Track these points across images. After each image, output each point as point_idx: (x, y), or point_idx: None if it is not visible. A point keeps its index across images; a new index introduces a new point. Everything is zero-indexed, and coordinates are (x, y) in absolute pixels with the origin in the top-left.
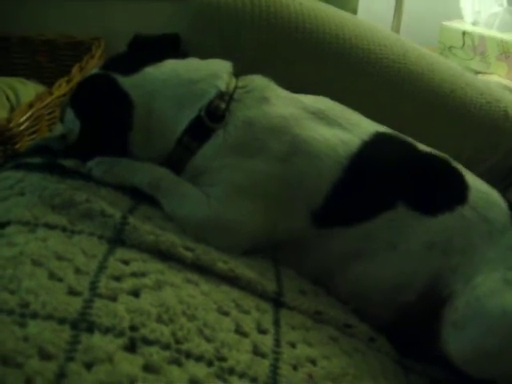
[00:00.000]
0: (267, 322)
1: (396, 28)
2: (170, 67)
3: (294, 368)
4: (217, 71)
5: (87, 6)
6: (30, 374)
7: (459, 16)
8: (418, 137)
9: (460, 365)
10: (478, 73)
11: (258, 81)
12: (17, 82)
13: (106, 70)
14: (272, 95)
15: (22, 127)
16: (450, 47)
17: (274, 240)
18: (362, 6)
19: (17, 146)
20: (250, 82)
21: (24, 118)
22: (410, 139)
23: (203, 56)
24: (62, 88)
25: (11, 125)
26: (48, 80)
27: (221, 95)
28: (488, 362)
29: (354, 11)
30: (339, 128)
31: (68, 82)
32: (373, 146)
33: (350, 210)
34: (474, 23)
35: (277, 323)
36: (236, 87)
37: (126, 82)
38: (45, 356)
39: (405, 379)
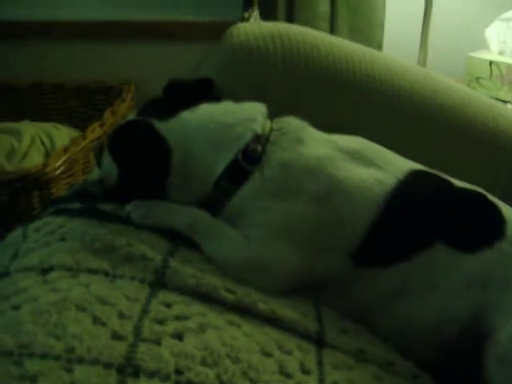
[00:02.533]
0: (310, 362)
1: (422, 61)
2: (206, 111)
3: None
4: (252, 114)
5: (116, 51)
6: None
7: (485, 46)
8: (451, 171)
9: None
10: (506, 102)
11: (292, 122)
12: (51, 127)
13: (143, 115)
14: (307, 137)
15: (58, 171)
16: (478, 78)
17: (312, 280)
18: (386, 40)
19: (53, 191)
20: (284, 124)
21: (59, 162)
22: (445, 175)
23: (236, 99)
24: (96, 132)
25: (47, 169)
26: (80, 124)
27: (257, 138)
28: None
29: (380, 46)
30: (374, 168)
31: (101, 125)
32: (408, 185)
33: (388, 249)
34: (501, 53)
35: (320, 363)
36: (271, 129)
37: (162, 127)
38: None
39: None
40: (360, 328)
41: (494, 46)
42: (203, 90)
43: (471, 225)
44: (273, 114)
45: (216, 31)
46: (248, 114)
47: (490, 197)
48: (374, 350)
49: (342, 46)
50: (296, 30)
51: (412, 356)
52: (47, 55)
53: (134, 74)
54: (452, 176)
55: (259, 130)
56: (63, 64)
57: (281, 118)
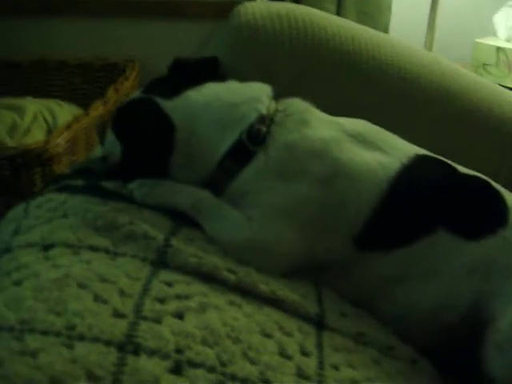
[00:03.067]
0: (310, 344)
1: (429, 46)
2: (211, 91)
3: None
4: (257, 95)
5: (121, 28)
6: None
7: (492, 33)
8: (455, 157)
9: None
10: None
11: (297, 104)
12: (53, 104)
13: (148, 93)
14: (312, 118)
15: (60, 149)
16: (484, 64)
17: (314, 262)
18: (394, 23)
19: (54, 168)
20: (289, 105)
21: (62, 139)
22: (449, 161)
23: (241, 78)
24: (99, 109)
25: (49, 146)
26: (83, 102)
27: (262, 118)
28: None
29: (386, 29)
30: (379, 151)
31: (104, 103)
32: (412, 169)
33: (390, 234)
34: (508, 39)
35: (319, 345)
36: (276, 110)
37: (167, 105)
38: (92, 378)
39: None
40: (360, 311)
41: (502, 33)
42: (209, 69)
43: (474, 211)
44: (278, 95)
45: (223, 10)
46: (253, 95)
47: (494, 184)
48: (374, 333)
49: (348, 27)
50: (303, 11)
51: (411, 341)
52: (51, 32)
53: (139, 51)
54: (456, 162)
55: (264, 111)
56: (67, 41)
57: (286, 99)
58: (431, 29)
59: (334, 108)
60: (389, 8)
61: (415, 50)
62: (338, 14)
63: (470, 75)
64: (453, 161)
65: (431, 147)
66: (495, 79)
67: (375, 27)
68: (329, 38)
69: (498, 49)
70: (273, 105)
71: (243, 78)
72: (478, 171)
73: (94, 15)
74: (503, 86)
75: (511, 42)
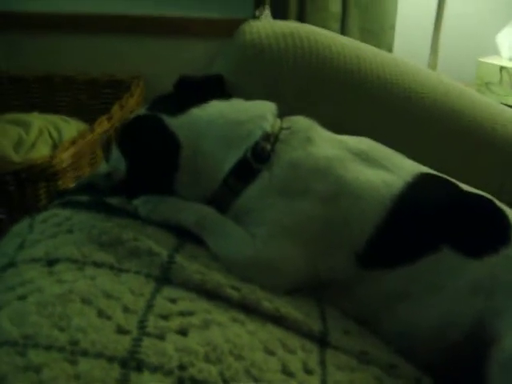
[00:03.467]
0: (313, 362)
1: (432, 65)
2: (216, 108)
3: None
4: (262, 112)
5: (127, 44)
6: None
7: (495, 52)
8: (459, 175)
9: None
10: None
11: (301, 122)
12: (59, 120)
13: (153, 110)
14: (316, 136)
15: (65, 164)
16: (488, 83)
17: (317, 280)
18: (397, 43)
19: (59, 183)
20: (294, 123)
21: (67, 154)
22: (452, 180)
23: (246, 97)
24: (103, 125)
25: (54, 161)
26: (88, 117)
27: (266, 136)
28: None
29: (390, 48)
30: (382, 169)
31: (109, 119)
32: (416, 188)
33: (394, 252)
34: (511, 59)
35: (322, 363)
36: (281, 128)
37: (172, 122)
38: None
39: None
40: (363, 330)
41: (505, 52)
42: (214, 87)
43: (478, 229)
44: (283, 113)
45: (228, 28)
46: (258, 112)
47: (497, 202)
48: (377, 352)
49: (353, 46)
50: (308, 30)
51: (414, 359)
52: (58, 47)
53: (145, 68)
54: (459, 180)
55: (269, 129)
56: (73, 57)
57: (290, 117)
58: (435, 48)
59: (338, 126)
60: (392, 27)
61: (419, 70)
62: (342, 32)
63: (473, 94)
64: (456, 179)
65: (435, 165)
66: (498, 98)
67: (379, 46)
68: (333, 56)
69: (502, 68)
70: (277, 123)
71: (248, 96)
72: (481, 189)
73: (99, 32)
74: (506, 105)
75: None
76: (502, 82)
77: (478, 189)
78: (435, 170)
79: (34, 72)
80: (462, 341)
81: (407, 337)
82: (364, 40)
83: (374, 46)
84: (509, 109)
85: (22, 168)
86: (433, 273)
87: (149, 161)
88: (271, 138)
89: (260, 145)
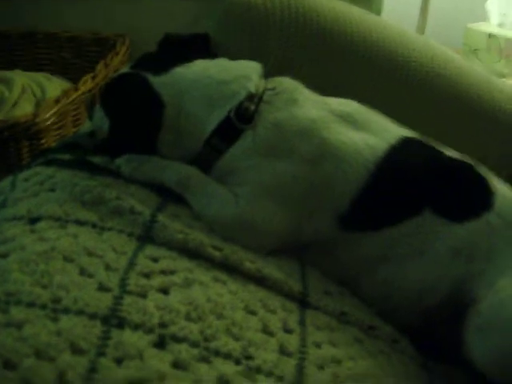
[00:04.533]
0: (293, 321)
1: (421, 29)
2: (201, 67)
3: (320, 368)
4: (247, 73)
5: (113, 2)
6: (62, 367)
7: (485, 18)
8: (443, 141)
9: (483, 369)
10: (503, 76)
11: (286, 83)
12: (42, 78)
13: (137, 69)
14: (300, 97)
15: (48, 122)
16: (475, 50)
17: (300, 241)
18: (387, 7)
19: (42, 141)
20: (278, 84)
21: (50, 113)
22: (436, 144)
23: (232, 56)
24: (88, 84)
25: (37, 120)
26: (72, 76)
27: (250, 97)
28: (510, 366)
29: (379, 12)
30: (366, 132)
31: (93, 78)
32: (399, 151)
33: (376, 215)
34: (500, 25)
35: (302, 323)
36: (265, 89)
37: (156, 81)
38: (76, 351)
39: (428, 381)
40: (344, 290)
41: (494, 19)
42: (199, 46)
43: (460, 194)
44: (268, 74)
45: None
46: (243, 72)
47: (480, 168)
48: (357, 313)
49: (340, 9)
50: None
51: (393, 320)
52: (42, 3)
53: (130, 26)
54: (443, 145)
55: (253, 89)
56: (57, 13)
57: (275, 78)
58: (424, 13)
59: (323, 88)
60: None
61: (406, 33)
62: None
63: (460, 60)
64: (440, 144)
65: (419, 130)
66: (486, 65)
67: (368, 9)
68: (320, 18)
69: (490, 35)
70: (262, 83)
71: (234, 55)
72: (467, 155)
73: None
74: (494, 72)
75: (503, 28)
76: (490, 50)
77: (475, 160)
78: (419, 134)
79: (16, 28)
80: (440, 303)
81: (386, 299)
82: (353, 2)
83: (364, 8)
84: (496, 78)
85: (4, 126)
86: (414, 236)
87: (132, 120)
88: (255, 98)
89: (244, 105)
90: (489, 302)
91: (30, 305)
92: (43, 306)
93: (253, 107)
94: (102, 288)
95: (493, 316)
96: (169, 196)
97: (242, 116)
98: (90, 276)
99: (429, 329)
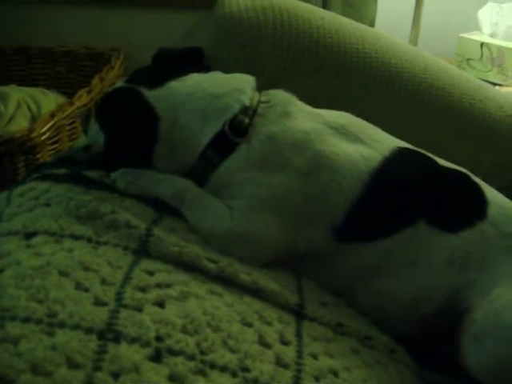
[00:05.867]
0: (290, 333)
1: (414, 40)
2: (195, 81)
3: (316, 379)
4: (241, 86)
5: (107, 17)
6: (59, 382)
7: (477, 28)
8: (436, 150)
9: (479, 377)
10: (496, 85)
11: (280, 95)
12: (38, 93)
13: (131, 83)
14: (294, 110)
15: (44, 137)
16: (468, 59)
17: (295, 253)
18: (379, 18)
19: (38, 156)
20: (272, 97)
21: (46, 128)
22: (430, 155)
23: (225, 69)
24: (83, 98)
25: (33, 135)
26: (68, 90)
27: (245, 110)
28: (507, 374)
29: (372, 23)
30: (360, 143)
31: (88, 92)
32: (394, 162)
33: (371, 226)
34: (492, 35)
35: (299, 335)
36: (259, 102)
37: (151, 95)
38: (73, 365)
39: None
40: (339, 302)
41: (486, 28)
42: (193, 60)
43: (454, 204)
44: (262, 87)
45: (209, 1)
46: (237, 86)
47: (474, 177)
48: (353, 323)
49: (333, 20)
50: (287, 3)
51: (389, 330)
52: (36, 18)
53: (125, 41)
54: (436, 155)
55: (247, 102)
56: (52, 28)
57: (269, 91)
58: (416, 23)
59: (316, 100)
60: (375, 2)
61: (399, 44)
62: (324, 6)
63: (453, 70)
64: (433, 154)
65: (413, 140)
66: (478, 74)
67: (361, 21)
68: (312, 30)
69: (482, 44)
70: (256, 96)
71: (227, 69)
72: (459, 164)
73: (79, 3)
74: (486, 81)
75: (495, 37)
76: (483, 58)
77: (468, 169)
78: (413, 144)
79: (11, 43)
80: (436, 313)
81: (382, 309)
82: (346, 14)
83: (356, 20)
84: (487, 84)
85: (0, 141)
86: (408, 247)
87: (127, 134)
88: (249, 111)
89: (238, 118)
90: (484, 311)
91: (26, 320)
92: (39, 321)
93: (247, 120)
94: (98, 302)
95: (488, 325)
96: (164, 209)
97: (237, 129)
98: (86, 290)
99: (424, 338)
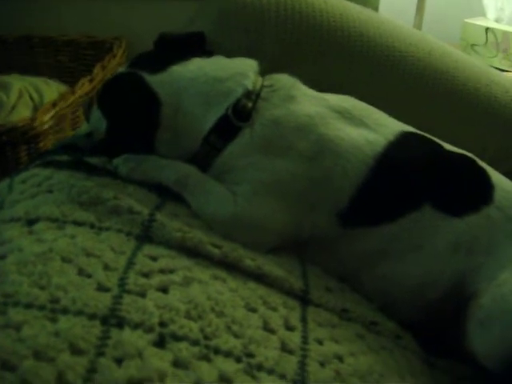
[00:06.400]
0: (294, 318)
1: (418, 25)
2: (197, 66)
3: (322, 365)
4: (243, 70)
5: (109, 5)
6: (62, 368)
7: (482, 13)
8: (441, 135)
9: (485, 362)
10: (500, 70)
11: (283, 79)
12: (40, 82)
13: (133, 68)
14: (298, 94)
15: (46, 126)
16: (473, 44)
17: (300, 238)
18: (383, 3)
19: (40, 145)
20: (276, 81)
21: (48, 117)
22: (435, 139)
23: (228, 54)
24: (85, 87)
25: (35, 124)
26: (70, 79)
27: (248, 94)
28: None
29: (376, 8)
30: (365, 127)
31: (90, 81)
32: (398, 146)
33: (376, 210)
34: (497, 20)
35: (304, 320)
36: (262, 86)
37: (153, 80)
38: (76, 351)
39: (430, 376)
40: (345, 287)
41: (491, 13)
42: (195, 44)
43: (460, 188)
44: (265, 71)
45: None
46: (239, 70)
47: (480, 162)
48: (358, 309)
49: (336, 4)
50: None
51: (395, 316)
52: (38, 7)
53: (127, 29)
54: (442, 140)
55: (250, 86)
56: (54, 17)
57: (272, 75)
58: (420, 8)
59: (320, 84)
60: None
61: (403, 28)
62: None
63: (457, 54)
64: (439, 139)
65: (418, 125)
66: (483, 59)
67: (365, 5)
68: (316, 14)
69: (487, 29)
70: (259, 80)
71: (230, 53)
72: (465, 149)
73: None
74: (491, 67)
75: (500, 22)
76: (488, 44)
77: (474, 153)
78: (418, 129)
79: (12, 33)
80: (442, 298)
81: (387, 294)
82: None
83: (360, 4)
84: (493, 69)
85: (2, 130)
86: (414, 231)
87: (129, 119)
88: (252, 95)
89: (241, 102)
90: (490, 296)
91: (28, 306)
92: (41, 307)
93: (250, 104)
94: (101, 288)
95: (494, 310)
96: (167, 195)
97: (240, 113)
98: (89, 276)
99: (430, 323)
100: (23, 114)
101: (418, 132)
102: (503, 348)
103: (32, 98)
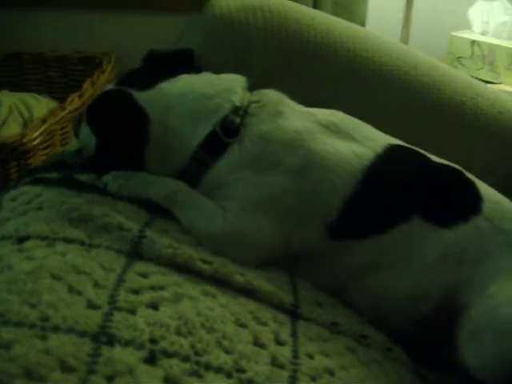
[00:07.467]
0: (285, 333)
1: (405, 39)
2: (185, 82)
3: (313, 379)
4: (231, 86)
5: (98, 21)
6: None
7: (468, 26)
8: (428, 148)
9: (476, 374)
10: (487, 83)
11: (271, 95)
12: (30, 98)
13: (122, 85)
14: (286, 109)
15: (36, 142)
16: (459, 57)
17: (289, 252)
18: (370, 17)
19: (30, 161)
20: (263, 97)
21: (37, 133)
22: (422, 151)
23: (216, 70)
24: (74, 103)
25: (25, 140)
26: (60, 95)
27: (235, 110)
28: (504, 371)
29: (363, 23)
30: (352, 141)
31: (80, 96)
32: (386, 159)
33: (365, 223)
34: (483, 33)
35: (294, 335)
36: (250, 102)
37: (141, 97)
38: (66, 369)
39: None
40: (335, 301)
41: (477, 26)
42: (183, 61)
43: (448, 200)
44: (253, 87)
45: (199, 3)
46: (227, 86)
47: (467, 173)
48: (349, 322)
49: (323, 20)
50: (277, 3)
51: (386, 329)
52: (27, 24)
53: (116, 44)
54: (429, 153)
55: (238, 102)
56: (42, 34)
57: (260, 91)
58: (407, 22)
59: (307, 100)
60: (365, 1)
61: (389, 43)
62: (315, 6)
63: (443, 67)
64: (426, 151)
65: (405, 138)
66: (470, 72)
67: (351, 20)
68: (303, 30)
69: (473, 42)
70: (247, 96)
71: (218, 69)
72: (452, 161)
73: (69, 7)
74: (478, 79)
75: (486, 35)
76: (474, 56)
77: (461, 166)
78: (404, 142)
79: (2, 49)
80: (433, 310)
81: (377, 307)
82: (336, 14)
83: (347, 20)
84: (479, 82)
85: None
86: (403, 243)
87: (118, 136)
88: (240, 111)
89: (229, 118)
90: (481, 308)
91: (19, 324)
92: (32, 325)
93: (238, 120)
94: (91, 305)
95: (485, 321)
96: (157, 211)
97: (228, 129)
98: (79, 294)
99: (421, 336)
100: (13, 130)
101: (406, 145)
102: (495, 360)
103: (22, 114)
